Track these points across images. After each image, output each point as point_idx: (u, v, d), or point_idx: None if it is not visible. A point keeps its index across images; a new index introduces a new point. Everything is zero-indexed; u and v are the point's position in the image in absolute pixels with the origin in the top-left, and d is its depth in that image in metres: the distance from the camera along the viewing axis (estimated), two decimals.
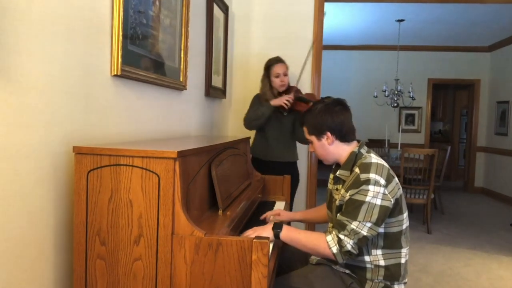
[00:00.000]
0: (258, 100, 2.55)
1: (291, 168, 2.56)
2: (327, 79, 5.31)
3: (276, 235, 1.34)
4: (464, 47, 6.22)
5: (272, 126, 2.53)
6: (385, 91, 5.40)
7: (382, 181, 1.30)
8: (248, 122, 2.48)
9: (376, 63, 6.36)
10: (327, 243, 1.30)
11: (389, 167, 1.37)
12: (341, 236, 1.28)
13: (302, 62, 3.08)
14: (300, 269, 1.48)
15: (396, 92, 5.36)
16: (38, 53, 1.07)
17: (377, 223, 1.29)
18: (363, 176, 1.31)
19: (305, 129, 1.49)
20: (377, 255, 1.37)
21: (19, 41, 1.00)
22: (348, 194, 1.33)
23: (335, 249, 1.29)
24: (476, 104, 6.31)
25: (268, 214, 1.69)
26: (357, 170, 1.35)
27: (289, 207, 2.22)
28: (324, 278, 1.39)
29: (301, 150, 3.13)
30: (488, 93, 6.24)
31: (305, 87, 3.09)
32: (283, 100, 2.37)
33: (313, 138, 1.46)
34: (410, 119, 6.54)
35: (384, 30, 5.37)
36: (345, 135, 1.43)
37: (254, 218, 1.70)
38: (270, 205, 1.99)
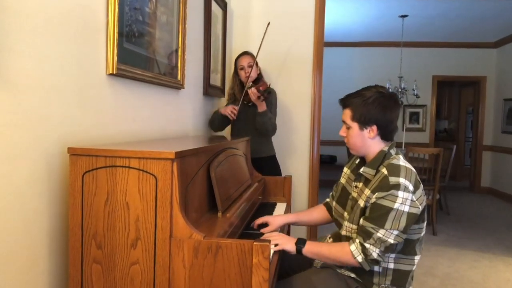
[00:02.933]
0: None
1: (268, 164, 2.45)
2: (329, 77, 5.26)
3: (299, 251, 1.32)
4: (469, 43, 6.14)
5: (239, 120, 2.44)
6: (388, 88, 5.34)
7: (411, 187, 1.25)
8: (209, 125, 2.57)
9: (379, 60, 6.29)
10: (351, 253, 1.27)
11: (416, 172, 1.31)
12: (367, 245, 1.25)
13: (302, 59, 3.03)
14: (303, 272, 1.45)
15: (399, 89, 5.30)
16: (31, 51, 1.05)
17: (404, 231, 1.25)
18: (393, 180, 1.25)
19: (348, 111, 1.37)
20: (388, 257, 1.33)
21: (12, 40, 0.98)
22: (374, 196, 1.27)
23: (360, 258, 1.26)
24: (482, 101, 6.23)
25: (256, 223, 1.58)
26: (384, 170, 1.29)
27: (289, 209, 2.18)
28: (328, 281, 1.36)
29: (302, 149, 3.09)
30: (494, 90, 6.17)
31: (306, 86, 3.04)
32: (227, 111, 2.37)
33: (354, 125, 1.35)
34: (414, 117, 6.48)
35: (387, 26, 5.32)
36: (389, 133, 1.36)
37: (254, 220, 1.66)
38: (271, 207, 1.96)
